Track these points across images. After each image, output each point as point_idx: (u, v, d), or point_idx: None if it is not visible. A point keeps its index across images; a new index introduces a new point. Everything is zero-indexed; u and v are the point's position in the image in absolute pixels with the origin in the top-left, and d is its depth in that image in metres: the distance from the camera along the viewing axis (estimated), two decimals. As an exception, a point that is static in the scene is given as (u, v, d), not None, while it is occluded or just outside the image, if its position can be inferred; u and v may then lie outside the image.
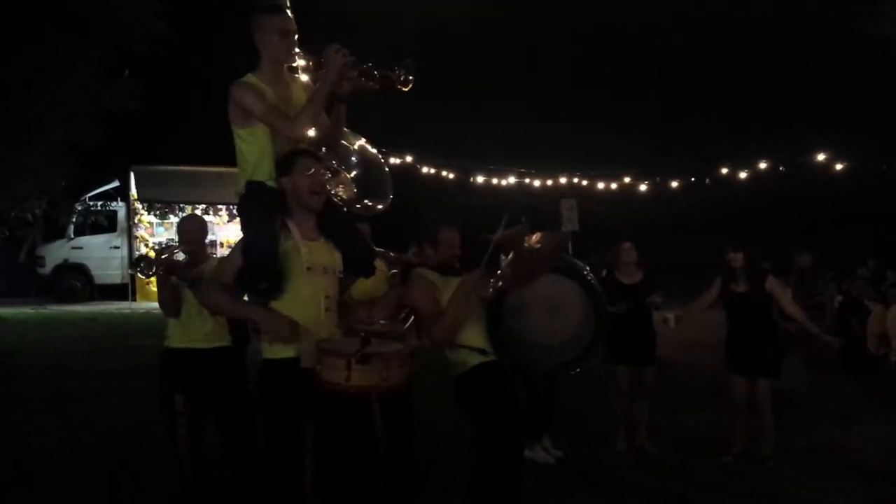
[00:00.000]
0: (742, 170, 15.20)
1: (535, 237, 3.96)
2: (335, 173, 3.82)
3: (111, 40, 13.69)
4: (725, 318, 6.15)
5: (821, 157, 14.25)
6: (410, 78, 3.48)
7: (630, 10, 20.29)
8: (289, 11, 3.59)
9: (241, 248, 3.42)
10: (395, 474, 3.50)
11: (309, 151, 3.54)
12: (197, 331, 4.26)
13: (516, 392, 4.20)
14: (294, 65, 3.70)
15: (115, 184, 19.23)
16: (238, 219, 3.75)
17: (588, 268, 4.23)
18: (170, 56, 13.73)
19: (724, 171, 15.38)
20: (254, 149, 3.50)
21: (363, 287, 3.85)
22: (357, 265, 3.65)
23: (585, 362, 4.11)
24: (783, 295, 6.23)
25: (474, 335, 3.98)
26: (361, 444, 3.33)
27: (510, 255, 3.87)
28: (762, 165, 14.95)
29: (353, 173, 4.08)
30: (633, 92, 22.52)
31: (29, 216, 16.32)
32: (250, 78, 3.53)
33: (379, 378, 3.22)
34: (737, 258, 5.97)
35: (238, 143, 3.54)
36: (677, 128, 22.66)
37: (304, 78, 3.82)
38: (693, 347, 10.32)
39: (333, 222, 3.60)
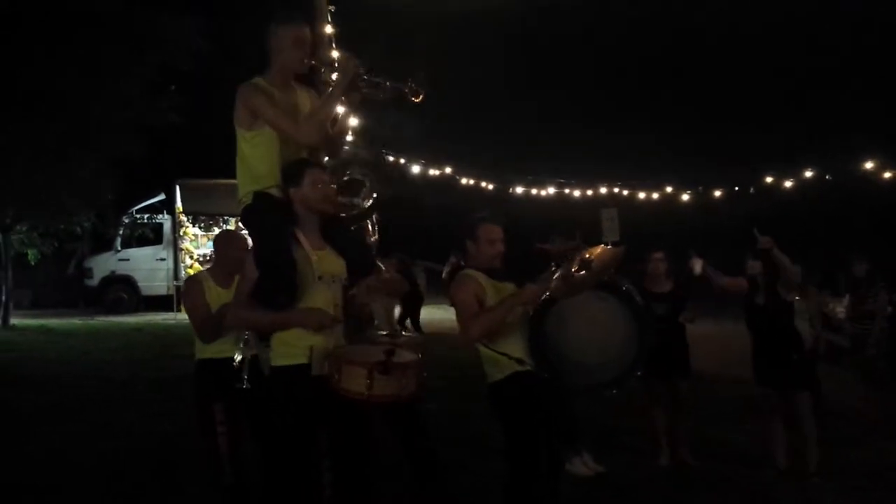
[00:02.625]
0: (787, 178, 14.92)
1: (597, 251, 3.94)
2: (356, 186, 3.90)
3: (157, 57, 14.04)
4: (747, 329, 6.05)
5: (869, 164, 13.93)
6: (422, 91, 3.52)
7: (671, 18, 20.09)
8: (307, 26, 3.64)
9: (255, 261, 3.42)
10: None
11: (317, 163, 3.59)
12: (227, 340, 4.31)
13: (551, 404, 4.16)
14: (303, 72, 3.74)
15: (161, 197, 19.64)
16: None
17: (635, 290, 4.18)
18: (213, 71, 13.98)
19: (769, 179, 15.11)
20: (259, 152, 3.53)
21: None
22: (359, 269, 3.67)
23: (623, 385, 4.06)
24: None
25: (513, 344, 3.97)
26: (371, 448, 3.36)
27: (562, 270, 3.84)
28: (808, 174, 14.66)
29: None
30: (674, 99, 22.28)
31: (77, 229, 16.77)
32: (259, 80, 3.57)
33: (399, 387, 3.25)
34: (754, 266, 5.85)
35: (242, 145, 3.56)
36: (721, 136, 22.36)
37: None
38: (730, 359, 10.13)
39: (334, 230, 3.64)
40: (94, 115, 13.51)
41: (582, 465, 5.88)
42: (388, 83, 3.55)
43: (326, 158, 3.83)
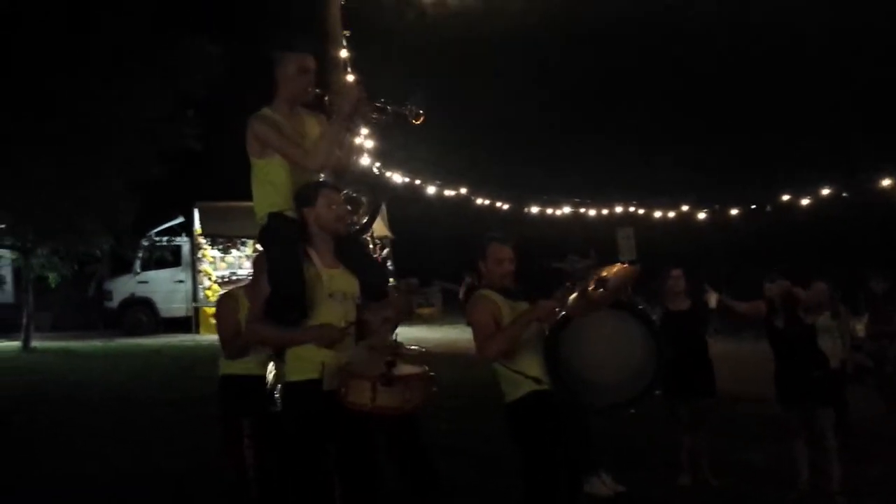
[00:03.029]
0: (804, 196, 14.86)
1: (613, 269, 3.97)
2: (354, 203, 4.01)
3: (175, 82, 14.27)
4: (771, 350, 6.02)
5: (886, 182, 13.85)
6: (421, 112, 3.65)
7: (686, 38, 20.14)
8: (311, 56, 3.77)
9: (268, 279, 3.52)
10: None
11: (330, 184, 3.73)
12: (253, 358, 4.35)
13: (568, 424, 4.16)
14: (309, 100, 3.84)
15: (180, 219, 19.83)
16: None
17: (651, 309, 4.20)
18: (229, 94, 14.17)
19: (786, 197, 15.05)
20: (271, 178, 3.65)
21: None
22: (373, 290, 3.76)
23: (640, 405, 4.05)
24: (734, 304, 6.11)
25: (530, 363, 3.98)
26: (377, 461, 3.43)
27: (578, 288, 3.87)
28: (825, 192, 14.60)
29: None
30: (690, 117, 22.26)
31: (97, 252, 16.94)
32: (266, 111, 3.70)
33: (402, 400, 3.31)
34: (772, 289, 5.83)
35: (255, 171, 3.69)
36: (737, 154, 22.31)
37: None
38: (751, 378, 10.06)
39: (349, 250, 3.73)
40: (115, 141, 13.74)
41: (601, 485, 5.85)
42: (389, 107, 3.67)
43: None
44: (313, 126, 3.80)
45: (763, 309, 5.97)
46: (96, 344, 17.03)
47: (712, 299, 6.07)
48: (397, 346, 3.55)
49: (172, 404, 9.46)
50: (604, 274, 3.88)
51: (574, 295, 3.88)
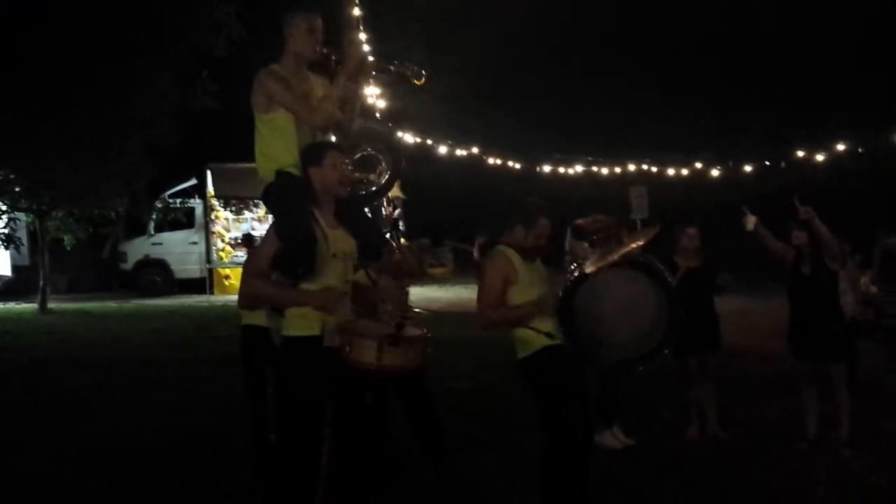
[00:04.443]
0: (819, 152, 14.72)
1: (639, 240, 4.03)
2: (372, 162, 4.09)
3: (190, 43, 14.20)
4: (789, 301, 6.04)
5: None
6: (423, 72, 3.76)
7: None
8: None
9: (276, 234, 3.59)
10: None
11: (336, 145, 3.79)
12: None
13: (582, 376, 4.24)
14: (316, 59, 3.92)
15: (193, 181, 19.86)
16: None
17: (666, 269, 4.25)
18: (241, 55, 14.12)
19: (801, 153, 14.92)
20: (277, 135, 3.72)
21: None
22: (370, 250, 3.86)
23: (651, 362, 4.11)
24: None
25: (543, 319, 4.04)
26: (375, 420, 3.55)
27: (598, 249, 3.95)
28: (840, 147, 14.46)
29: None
30: (704, 75, 21.97)
31: (112, 214, 17.05)
32: (275, 67, 3.78)
33: (406, 359, 3.43)
34: (800, 236, 5.85)
35: (260, 128, 3.76)
36: (751, 111, 22.07)
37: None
38: (762, 335, 10.13)
39: (349, 211, 3.79)
40: (129, 102, 13.74)
41: (612, 438, 5.96)
42: (392, 67, 3.73)
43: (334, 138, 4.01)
44: (318, 87, 3.88)
45: (791, 254, 5.99)
46: (112, 305, 17.24)
47: (750, 222, 6.07)
48: (409, 308, 3.65)
49: (190, 363, 9.61)
50: (631, 246, 3.96)
51: (594, 256, 3.95)
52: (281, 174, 3.69)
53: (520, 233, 4.19)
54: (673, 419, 6.60)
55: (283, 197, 3.69)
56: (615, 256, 3.97)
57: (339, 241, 3.64)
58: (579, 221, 6.50)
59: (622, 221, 5.83)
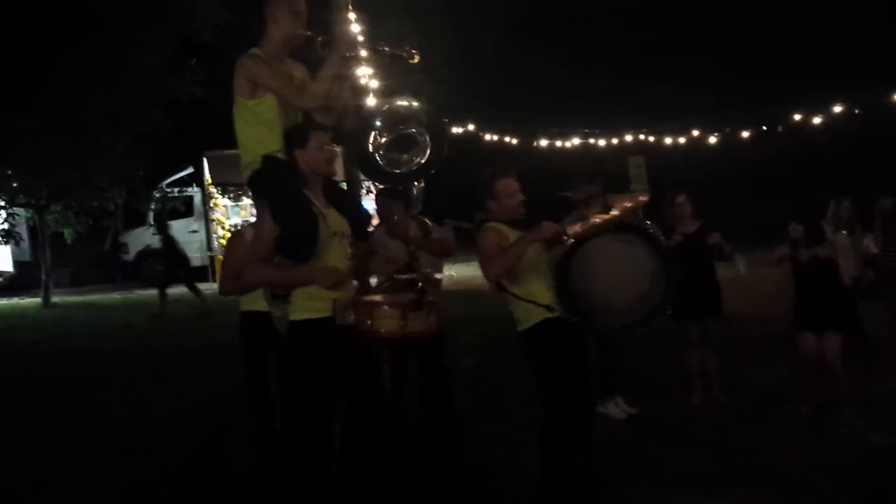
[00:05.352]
0: (816, 115, 14.63)
1: (625, 204, 4.03)
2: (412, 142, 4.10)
3: (176, 30, 14.11)
4: (794, 283, 6.09)
5: (897, 96, 13.58)
6: (416, 52, 3.70)
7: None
8: None
9: (274, 219, 3.52)
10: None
11: (320, 125, 3.72)
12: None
13: (582, 348, 4.25)
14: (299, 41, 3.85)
15: (190, 170, 19.83)
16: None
17: (658, 229, 4.24)
18: (234, 41, 14.00)
19: (797, 117, 14.83)
20: (263, 119, 3.66)
21: None
22: (359, 229, 3.88)
23: (652, 322, 4.12)
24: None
25: (540, 291, 4.05)
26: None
27: (588, 216, 3.94)
28: (837, 109, 14.36)
29: None
30: (695, 38, 21.80)
31: (111, 206, 17.05)
32: (257, 51, 3.73)
33: (428, 323, 3.44)
34: (797, 229, 5.88)
35: (245, 114, 3.70)
36: (747, 76, 21.93)
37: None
38: (761, 301, 10.14)
39: (334, 191, 3.80)
40: (118, 90, 13.68)
41: (615, 408, 5.99)
42: (385, 48, 3.68)
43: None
44: (296, 70, 3.84)
45: (787, 253, 6.07)
46: (115, 296, 17.29)
47: (741, 265, 6.20)
48: (427, 274, 3.66)
49: (195, 351, 9.65)
50: (616, 212, 3.96)
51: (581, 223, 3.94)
52: (268, 159, 3.64)
53: (493, 206, 4.18)
54: (674, 386, 6.62)
55: (274, 181, 3.64)
56: (599, 220, 3.96)
57: (334, 220, 3.63)
58: (565, 193, 6.46)
59: (607, 189, 5.80)
